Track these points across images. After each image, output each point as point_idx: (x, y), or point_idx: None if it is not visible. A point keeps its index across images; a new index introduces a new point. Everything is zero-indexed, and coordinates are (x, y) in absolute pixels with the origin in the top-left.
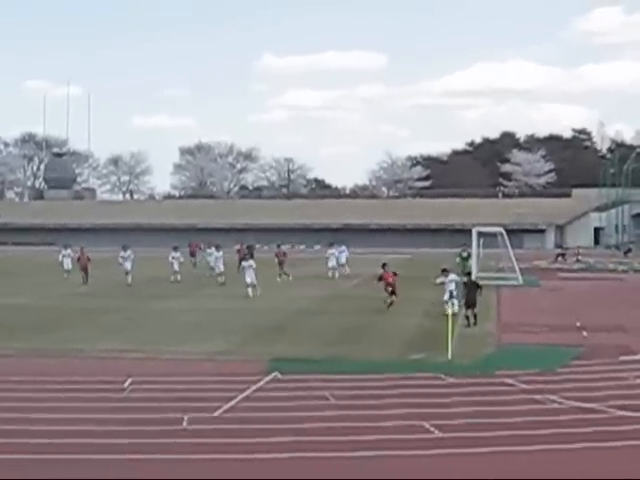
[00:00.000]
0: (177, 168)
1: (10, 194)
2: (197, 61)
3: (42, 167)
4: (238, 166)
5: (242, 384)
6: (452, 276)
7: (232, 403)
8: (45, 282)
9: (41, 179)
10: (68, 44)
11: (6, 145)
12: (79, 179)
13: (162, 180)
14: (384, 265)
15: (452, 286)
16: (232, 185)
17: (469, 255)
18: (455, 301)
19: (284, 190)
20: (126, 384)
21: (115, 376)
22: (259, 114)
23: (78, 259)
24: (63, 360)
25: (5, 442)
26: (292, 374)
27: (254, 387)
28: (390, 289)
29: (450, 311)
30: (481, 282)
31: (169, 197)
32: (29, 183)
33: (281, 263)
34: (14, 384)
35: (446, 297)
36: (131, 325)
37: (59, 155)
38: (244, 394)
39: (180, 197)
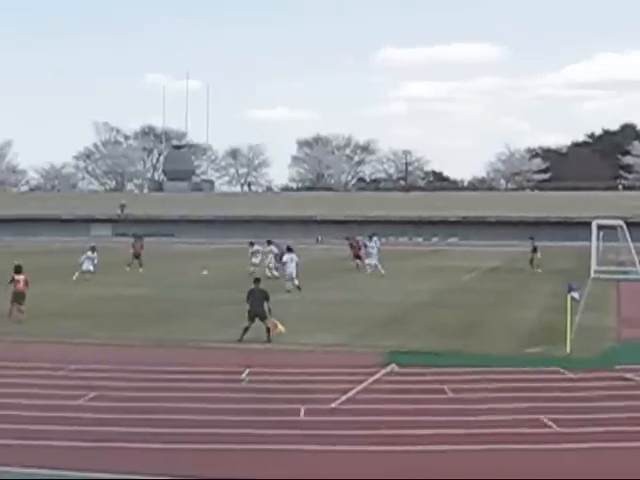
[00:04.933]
0: (295, 160)
1: (130, 186)
2: (315, 53)
3: (161, 159)
4: (356, 158)
5: (359, 376)
6: None
7: (349, 395)
8: (161, 273)
9: (160, 171)
10: (187, 37)
11: (126, 138)
12: (198, 171)
13: (280, 172)
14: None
15: None
16: (349, 177)
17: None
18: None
19: (402, 182)
20: (244, 375)
21: (232, 367)
22: (377, 106)
23: (132, 246)
24: (181, 350)
25: (128, 431)
26: (409, 367)
27: (371, 379)
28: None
29: None
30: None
31: (287, 189)
32: (149, 175)
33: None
34: (133, 373)
35: None
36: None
37: (178, 147)
38: (361, 386)
39: (298, 189)
